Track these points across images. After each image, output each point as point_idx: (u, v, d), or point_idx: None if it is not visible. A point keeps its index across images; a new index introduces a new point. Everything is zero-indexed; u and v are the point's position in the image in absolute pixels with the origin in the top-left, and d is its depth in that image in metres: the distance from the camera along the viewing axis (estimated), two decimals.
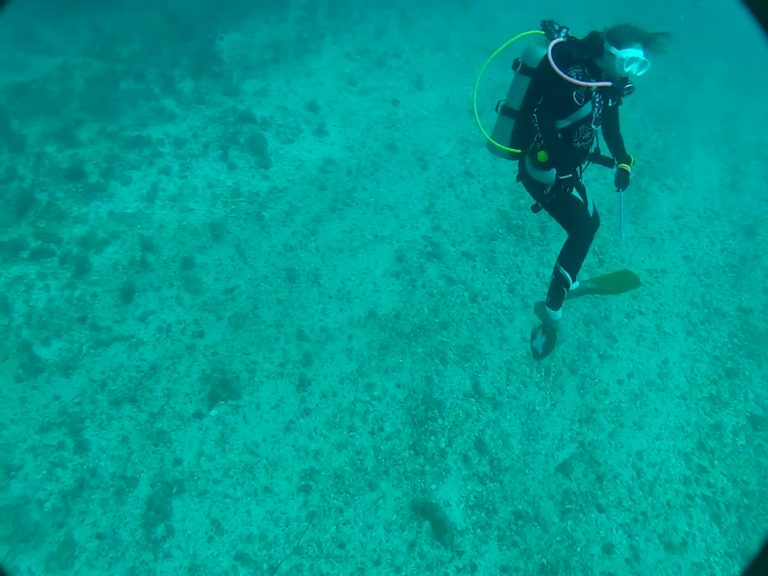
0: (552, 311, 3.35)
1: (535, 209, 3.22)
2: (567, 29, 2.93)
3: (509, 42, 3.05)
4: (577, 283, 3.45)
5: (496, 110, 3.20)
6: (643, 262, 6.99)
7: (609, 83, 2.74)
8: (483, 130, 3.11)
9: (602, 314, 6.22)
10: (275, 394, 5.28)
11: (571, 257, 3.16)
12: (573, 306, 6.13)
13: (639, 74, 2.73)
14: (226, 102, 7.93)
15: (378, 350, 5.67)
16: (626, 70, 2.68)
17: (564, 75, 2.66)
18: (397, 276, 6.33)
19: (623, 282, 4.19)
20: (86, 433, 4.82)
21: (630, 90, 2.81)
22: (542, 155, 2.78)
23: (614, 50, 2.69)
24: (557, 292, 3.26)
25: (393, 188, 7.32)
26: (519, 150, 3.04)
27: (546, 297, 3.40)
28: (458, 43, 10.62)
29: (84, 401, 5.02)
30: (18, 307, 5.58)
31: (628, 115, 8.74)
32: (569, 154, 2.95)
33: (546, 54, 2.73)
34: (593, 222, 3.17)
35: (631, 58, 2.66)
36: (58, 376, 5.23)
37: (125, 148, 6.93)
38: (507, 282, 6.45)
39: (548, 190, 3.05)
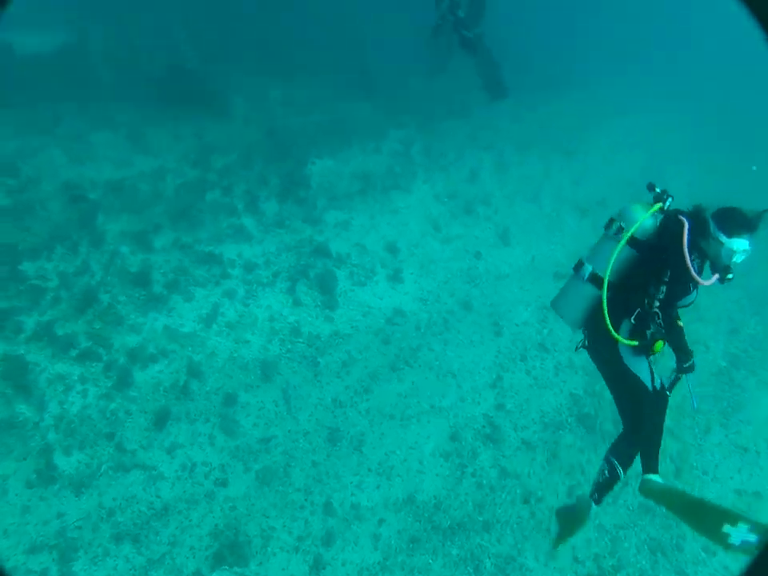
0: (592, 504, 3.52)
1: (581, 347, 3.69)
2: (672, 197, 3.34)
3: (636, 225, 3.26)
4: (658, 479, 3.44)
5: (575, 270, 3.58)
6: (731, 478, 7.15)
7: (721, 281, 3.15)
8: (607, 316, 3.16)
9: (674, 542, 6.61)
10: (285, 571, 6.02)
11: (629, 447, 3.41)
12: (638, 525, 6.64)
13: (740, 261, 3.12)
14: (305, 231, 10.00)
15: (408, 543, 6.37)
16: (733, 261, 3.08)
17: (694, 274, 3.05)
18: (446, 457, 7.24)
19: (715, 523, 3.28)
20: (75, 565, 5.69)
21: (730, 281, 3.15)
22: (659, 345, 3.13)
23: (723, 238, 3.09)
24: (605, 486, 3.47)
25: (461, 353, 8.61)
26: (617, 334, 3.21)
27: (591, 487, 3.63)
28: (551, 196, 12.72)
29: (86, 526, 5.98)
30: (52, 407, 6.94)
31: (722, 295, 10.11)
32: (684, 343, 3.46)
33: (677, 234, 3.10)
34: (658, 400, 3.44)
35: (743, 251, 3.07)
36: (68, 491, 6.30)
37: (195, 262, 8.86)
38: (567, 483, 7.11)
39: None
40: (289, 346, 7.95)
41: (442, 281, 9.58)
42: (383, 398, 7.57)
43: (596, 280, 3.38)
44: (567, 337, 9.06)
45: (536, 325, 9.39)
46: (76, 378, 7.25)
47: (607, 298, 3.20)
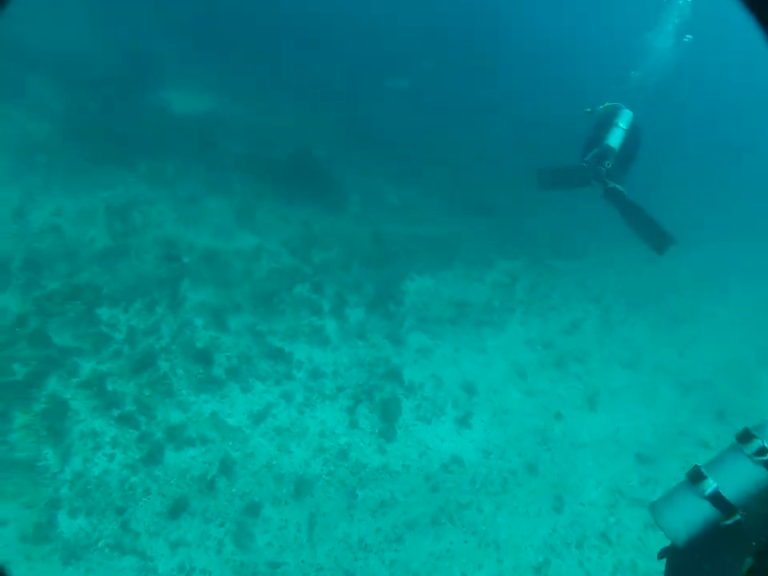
0: None
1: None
2: None
3: None
4: None
5: (691, 480, 3.57)
6: None
7: None
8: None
9: None
10: None
11: None
12: None
13: None
14: (385, 349, 11.20)
15: None
16: None
17: None
18: None
19: None
20: None
21: None
22: None
23: None
24: None
25: (512, 522, 8.90)
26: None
27: None
28: (651, 364, 13.09)
29: None
30: (75, 462, 8.21)
31: None
32: None
33: None
34: None
35: None
36: (58, 557, 7.31)
37: (263, 354, 10.25)
38: None
39: None
40: (331, 468, 8.78)
41: (512, 436, 10.16)
42: (414, 552, 8.03)
43: (720, 502, 3.37)
44: (636, 533, 9.06)
45: (603, 509, 9.49)
46: (108, 439, 8.56)
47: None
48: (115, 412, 8.89)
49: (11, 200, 12.17)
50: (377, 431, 9.50)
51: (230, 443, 8.82)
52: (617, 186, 11.23)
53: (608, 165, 10.88)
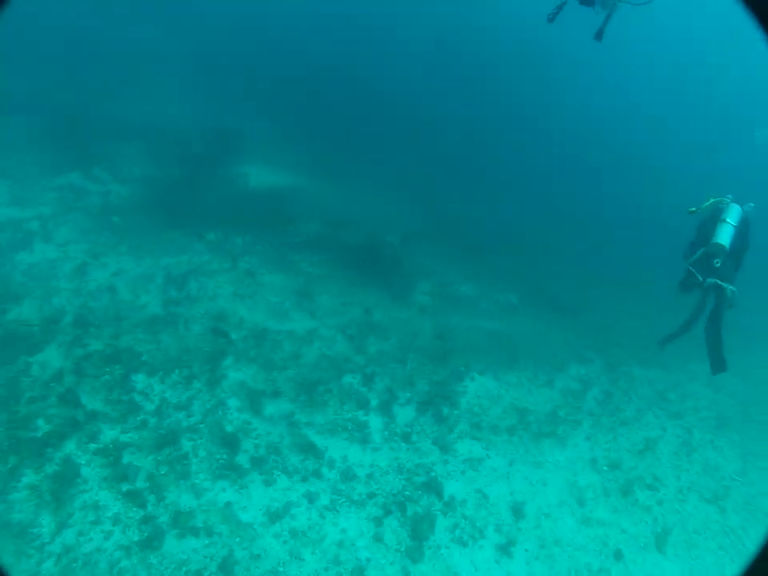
0: None
1: None
2: None
3: None
4: None
5: None
6: None
7: None
8: None
9: None
10: None
11: None
12: None
13: None
14: (430, 455, 10.67)
15: None
16: None
17: None
18: None
19: None
20: None
21: None
22: None
23: None
24: None
25: None
26: None
27: None
28: (740, 502, 11.46)
29: None
30: (68, 535, 8.16)
31: None
32: None
33: None
34: None
35: None
36: None
37: (294, 446, 10.05)
38: None
39: None
40: None
41: (559, 574, 9.23)
42: None
43: None
44: None
45: None
46: (110, 515, 8.50)
47: None
48: (125, 486, 8.87)
49: (77, 257, 13.10)
50: (402, 549, 8.91)
51: (238, 540, 8.55)
52: (728, 286, 10.77)
53: (717, 263, 10.54)
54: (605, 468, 11.38)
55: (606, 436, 12.21)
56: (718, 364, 11.78)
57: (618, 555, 9.73)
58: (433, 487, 9.89)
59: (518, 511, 9.98)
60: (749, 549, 10.53)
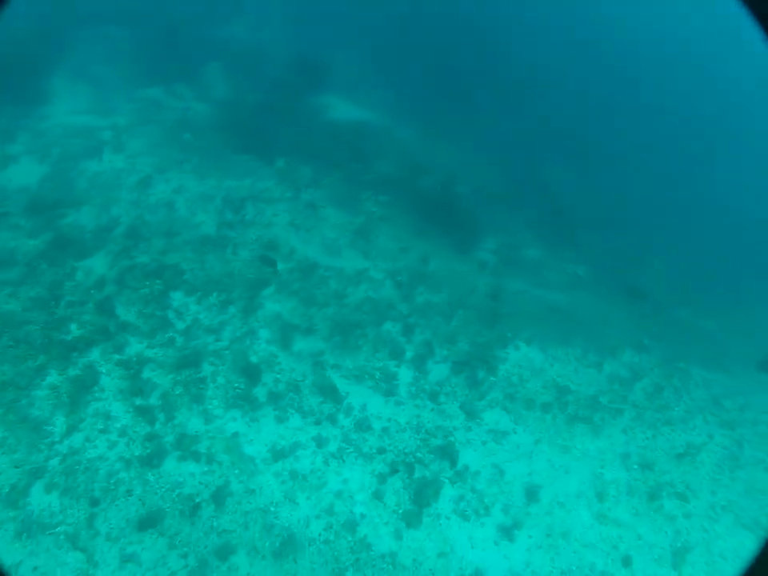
0: None
1: None
2: None
3: None
4: None
5: None
6: None
7: None
8: None
9: None
10: None
11: None
12: None
13: None
14: (454, 419, 9.96)
15: None
16: None
17: None
18: None
19: None
20: None
21: None
22: None
23: None
24: None
25: None
26: None
27: None
28: None
29: None
30: (76, 439, 8.28)
31: None
32: None
33: None
34: None
35: None
36: (12, 527, 7.33)
37: (315, 387, 9.72)
38: None
39: None
40: (331, 537, 7.98)
41: (558, 568, 8.50)
42: None
43: None
44: None
45: None
46: (119, 426, 8.57)
47: None
48: (138, 401, 8.93)
49: (143, 170, 13.19)
50: (401, 512, 8.50)
51: (237, 472, 8.42)
52: None
53: None
54: (635, 466, 10.36)
55: (646, 432, 11.09)
56: None
57: (627, 562, 8.86)
58: (448, 453, 9.36)
59: (532, 494, 9.29)
60: None
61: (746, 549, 9.57)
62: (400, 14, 22.00)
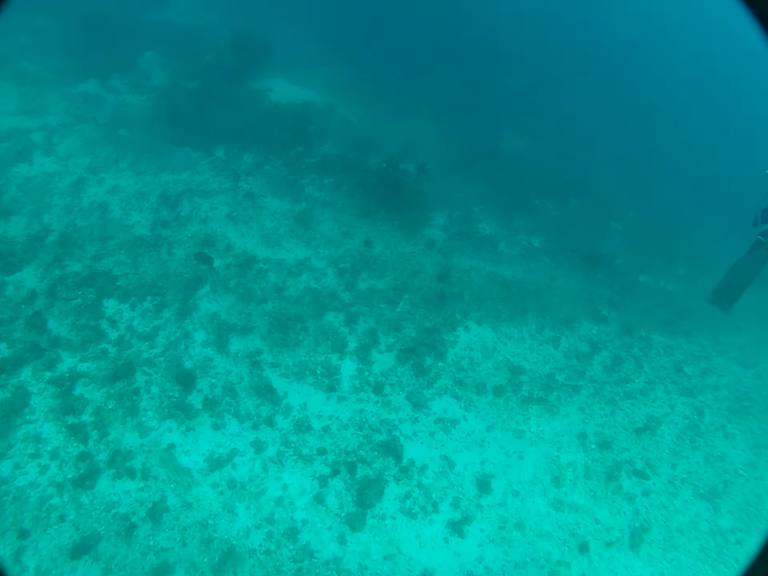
0: None
1: None
2: None
3: None
4: None
5: None
6: None
7: None
8: None
9: None
10: None
11: None
12: None
13: None
14: (399, 411, 9.77)
15: None
16: None
17: None
18: None
19: None
20: None
21: None
22: None
23: None
24: None
25: None
26: None
27: None
28: (740, 505, 9.85)
29: None
30: (5, 467, 8.10)
31: None
32: None
33: None
34: None
35: None
36: None
37: (251, 389, 9.54)
38: None
39: None
40: (272, 547, 7.88)
41: (512, 562, 8.40)
42: None
43: None
44: None
45: None
46: (50, 448, 8.39)
47: None
48: (70, 419, 8.73)
49: (77, 171, 12.79)
50: (343, 515, 8.40)
51: (173, 486, 8.28)
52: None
53: None
54: (593, 446, 10.23)
55: (604, 409, 10.93)
56: (724, 299, 10.37)
57: (584, 548, 8.75)
58: (392, 449, 9.21)
59: (483, 485, 9.16)
60: (735, 556, 9.28)
61: (701, 520, 9.54)
62: None
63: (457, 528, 8.53)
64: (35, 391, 9.01)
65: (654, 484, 9.79)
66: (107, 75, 15.88)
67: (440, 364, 10.70)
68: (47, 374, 9.23)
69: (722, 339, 13.73)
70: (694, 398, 11.67)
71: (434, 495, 8.84)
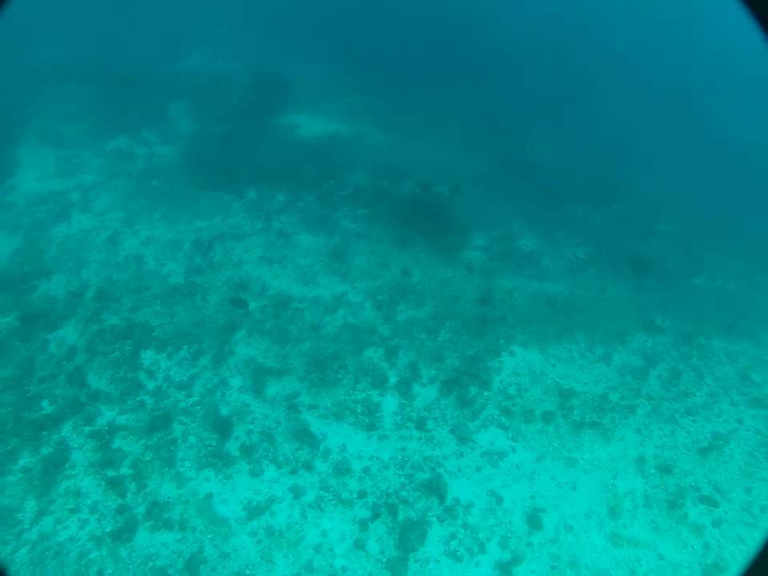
0: None
1: None
2: None
3: None
4: None
5: None
6: None
7: None
8: None
9: None
10: None
11: None
12: None
13: None
14: (443, 446, 9.46)
15: None
16: None
17: None
18: None
19: None
20: None
21: None
22: None
23: None
24: None
25: None
26: None
27: None
28: None
29: None
30: (46, 523, 8.18)
31: None
32: None
33: None
34: None
35: None
36: None
37: (288, 434, 9.41)
38: None
39: None
40: None
41: None
42: None
43: None
44: None
45: None
46: (90, 502, 8.44)
47: None
48: (109, 473, 8.79)
49: (111, 226, 13.15)
50: (384, 560, 8.10)
51: (210, 536, 8.19)
52: None
53: None
54: (653, 471, 9.58)
55: (663, 428, 10.28)
56: None
57: None
58: (435, 487, 8.88)
59: (534, 521, 8.70)
60: None
61: None
62: (352, 14, 21.56)
63: (505, 570, 8.12)
64: (75, 446, 9.11)
65: (725, 512, 9.06)
66: (137, 129, 16.41)
67: (485, 393, 10.38)
68: (87, 429, 9.34)
69: None
70: (766, 409, 10.90)
71: (480, 535, 8.46)
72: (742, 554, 8.53)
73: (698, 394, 10.97)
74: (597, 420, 10.18)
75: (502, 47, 22.42)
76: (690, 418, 10.48)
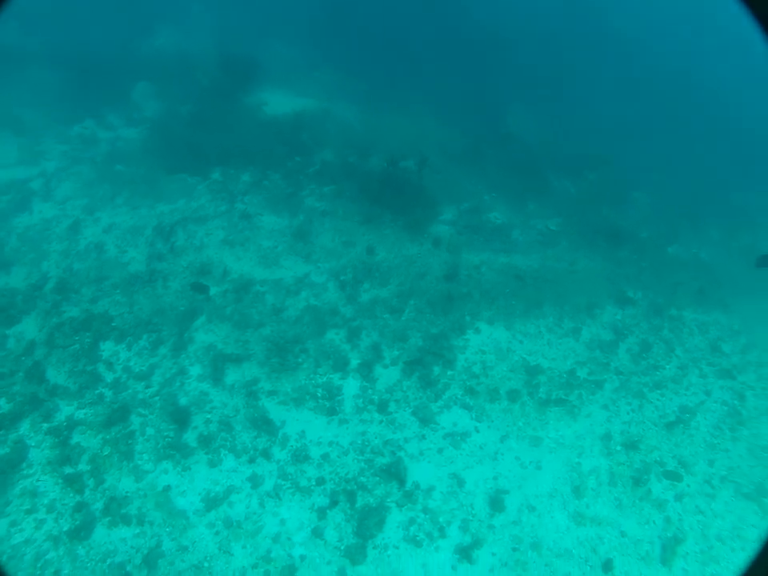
0: None
1: None
2: None
3: None
4: None
5: None
6: None
7: None
8: None
9: None
10: None
11: None
12: None
13: None
14: (405, 429, 9.48)
15: None
16: None
17: None
18: None
19: None
20: None
21: None
22: None
23: None
24: None
25: None
26: None
27: None
28: None
29: None
30: (1, 526, 8.25)
31: None
32: None
33: None
34: None
35: None
36: None
37: (247, 422, 9.36)
38: None
39: None
40: None
41: None
42: None
43: None
44: None
45: None
46: (47, 502, 8.44)
47: None
48: (67, 470, 8.78)
49: (74, 214, 13.00)
50: (343, 548, 8.11)
51: (168, 530, 8.20)
52: None
53: None
54: (618, 447, 9.51)
55: (631, 403, 10.18)
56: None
57: (608, 566, 8.10)
58: (394, 472, 8.84)
59: (496, 502, 8.66)
60: None
61: (747, 524, 8.70)
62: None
63: (466, 553, 8.11)
64: (33, 444, 9.10)
65: (688, 486, 9.03)
66: (101, 113, 16.15)
67: (449, 372, 10.29)
68: (45, 426, 9.32)
69: (766, 307, 12.72)
70: (734, 380, 10.80)
71: (440, 519, 8.44)
72: (699, 524, 8.50)
73: (667, 366, 10.86)
74: (563, 397, 10.09)
75: (485, 23, 21.86)
76: (659, 391, 10.40)
